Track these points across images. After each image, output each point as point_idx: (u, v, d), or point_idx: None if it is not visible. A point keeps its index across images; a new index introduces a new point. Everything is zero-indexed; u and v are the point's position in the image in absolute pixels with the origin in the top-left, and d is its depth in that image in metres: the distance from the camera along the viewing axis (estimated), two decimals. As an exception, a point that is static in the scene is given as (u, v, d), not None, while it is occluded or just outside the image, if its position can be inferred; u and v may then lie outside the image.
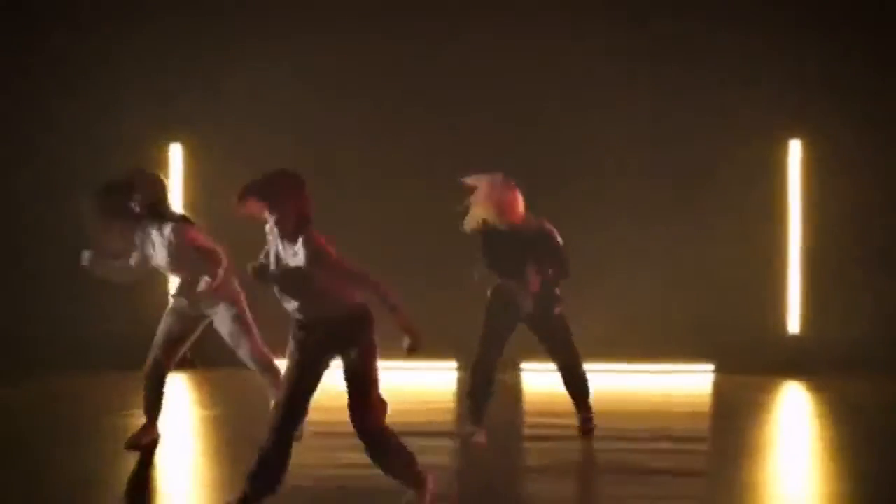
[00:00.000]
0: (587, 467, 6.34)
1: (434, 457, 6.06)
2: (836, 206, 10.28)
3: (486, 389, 6.94)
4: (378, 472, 5.04)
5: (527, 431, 7.60)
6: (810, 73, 10.30)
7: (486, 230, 6.95)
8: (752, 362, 9.93)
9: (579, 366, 7.05)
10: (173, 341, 6.66)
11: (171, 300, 6.85)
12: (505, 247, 6.91)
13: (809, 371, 9.87)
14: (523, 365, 10.11)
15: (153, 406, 6.66)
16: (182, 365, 9.26)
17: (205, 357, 9.54)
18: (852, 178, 10.25)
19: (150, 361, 6.68)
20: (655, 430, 7.22)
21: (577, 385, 7.04)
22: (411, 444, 5.08)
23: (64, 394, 8.67)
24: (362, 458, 5.05)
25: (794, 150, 10.41)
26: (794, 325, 10.35)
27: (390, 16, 10.42)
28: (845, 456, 6.66)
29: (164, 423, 6.70)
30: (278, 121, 10.30)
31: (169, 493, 5.85)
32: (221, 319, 6.65)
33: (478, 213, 6.88)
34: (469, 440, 6.78)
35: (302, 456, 5.47)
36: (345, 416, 4.99)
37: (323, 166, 9.99)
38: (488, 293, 7.08)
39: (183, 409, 8.32)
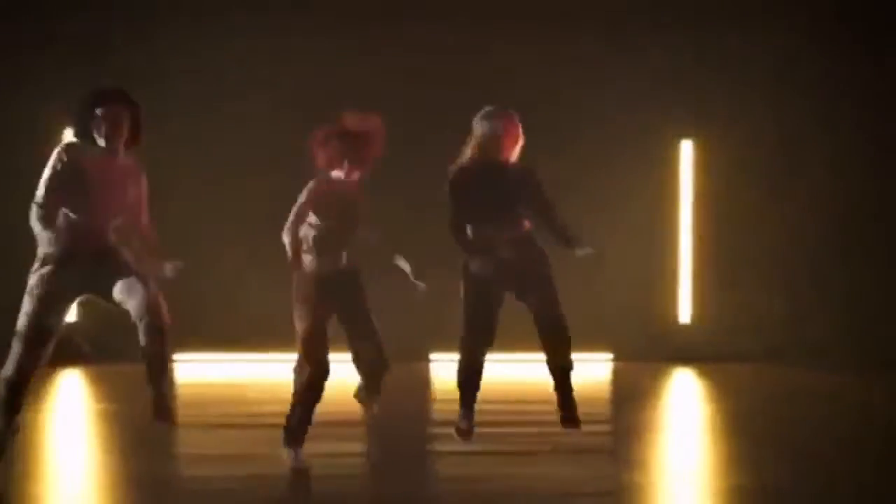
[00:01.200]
0: (494, 449, 6.46)
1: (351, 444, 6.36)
2: (726, 204, 10.62)
3: (475, 381, 6.16)
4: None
5: (437, 418, 7.64)
6: (703, 74, 10.55)
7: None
8: (646, 351, 10.28)
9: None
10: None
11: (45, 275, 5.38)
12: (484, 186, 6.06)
13: (699, 358, 10.25)
14: (433, 356, 10.40)
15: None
16: (75, 357, 9.31)
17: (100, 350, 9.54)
18: (741, 178, 10.59)
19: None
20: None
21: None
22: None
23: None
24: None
25: (686, 150, 10.77)
26: (685, 315, 10.76)
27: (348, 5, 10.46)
28: (727, 434, 7.16)
29: (58, 418, 6.56)
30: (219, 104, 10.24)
31: (63, 487, 5.76)
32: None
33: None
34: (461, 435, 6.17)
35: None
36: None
37: (278, 159, 9.65)
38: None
39: (76, 403, 8.30)
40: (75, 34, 10.27)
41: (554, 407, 6.00)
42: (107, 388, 8.80)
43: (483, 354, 6.13)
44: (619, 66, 10.47)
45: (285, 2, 10.51)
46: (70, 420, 7.34)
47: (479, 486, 5.73)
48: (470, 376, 6.13)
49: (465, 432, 6.14)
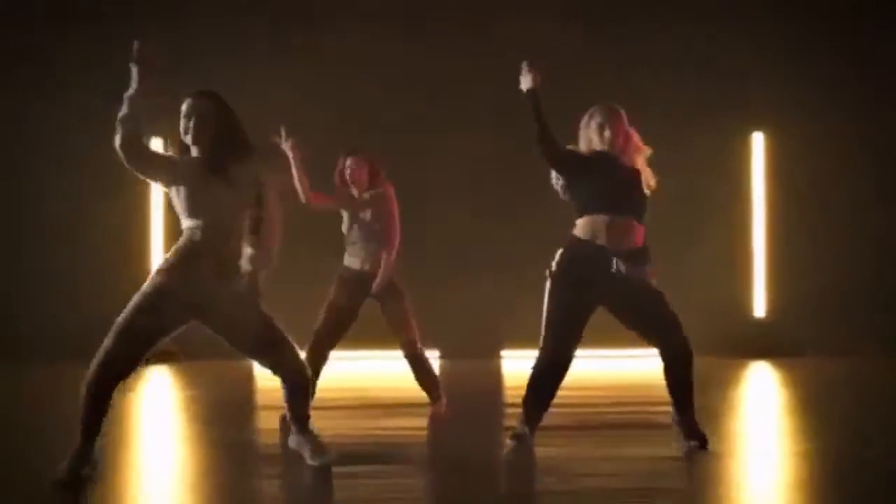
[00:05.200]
0: (579, 459, 6.09)
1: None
2: (798, 197, 10.67)
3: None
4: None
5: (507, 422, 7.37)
6: (776, 66, 10.61)
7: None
8: (721, 346, 10.17)
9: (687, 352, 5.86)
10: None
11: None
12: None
13: (775, 353, 10.28)
14: (504, 353, 10.48)
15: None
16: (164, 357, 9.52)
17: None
18: (813, 170, 10.62)
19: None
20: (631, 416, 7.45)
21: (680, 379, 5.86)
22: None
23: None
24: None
25: (758, 142, 10.81)
26: (759, 309, 10.78)
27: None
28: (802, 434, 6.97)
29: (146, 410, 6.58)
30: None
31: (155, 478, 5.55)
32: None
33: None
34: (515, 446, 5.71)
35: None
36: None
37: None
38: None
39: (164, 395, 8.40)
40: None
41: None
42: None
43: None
44: (691, 59, 10.55)
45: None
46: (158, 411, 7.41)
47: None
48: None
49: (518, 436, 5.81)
